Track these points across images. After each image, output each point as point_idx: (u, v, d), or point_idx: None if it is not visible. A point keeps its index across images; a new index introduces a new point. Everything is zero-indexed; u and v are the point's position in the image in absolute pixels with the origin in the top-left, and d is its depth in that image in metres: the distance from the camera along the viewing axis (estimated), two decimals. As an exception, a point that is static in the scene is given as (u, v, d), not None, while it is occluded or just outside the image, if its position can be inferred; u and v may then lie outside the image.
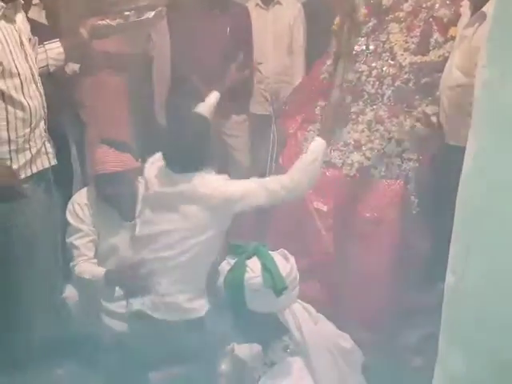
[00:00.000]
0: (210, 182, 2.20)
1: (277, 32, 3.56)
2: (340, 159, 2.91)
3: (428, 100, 2.90)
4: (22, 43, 2.38)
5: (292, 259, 1.68)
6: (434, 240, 2.79)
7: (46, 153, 2.53)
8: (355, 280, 2.74)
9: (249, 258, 1.66)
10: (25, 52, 2.39)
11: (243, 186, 2.22)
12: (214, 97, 3.00)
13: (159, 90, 4.03)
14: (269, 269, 1.60)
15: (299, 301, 1.69)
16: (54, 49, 2.65)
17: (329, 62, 3.15)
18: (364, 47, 3.02)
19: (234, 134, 3.49)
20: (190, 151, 2.27)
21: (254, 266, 1.63)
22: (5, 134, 2.32)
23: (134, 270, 2.37)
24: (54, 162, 2.57)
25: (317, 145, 2.41)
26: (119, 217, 2.61)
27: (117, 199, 2.55)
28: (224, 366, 1.78)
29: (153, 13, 2.91)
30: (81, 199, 2.58)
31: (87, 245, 2.52)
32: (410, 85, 2.92)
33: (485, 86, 1.08)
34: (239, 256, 1.66)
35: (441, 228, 2.67)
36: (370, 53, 2.96)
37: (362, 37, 3.06)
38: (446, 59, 2.83)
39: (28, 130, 2.38)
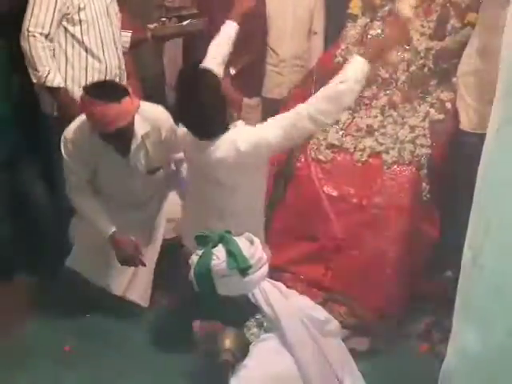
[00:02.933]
0: (237, 141, 2.22)
1: (297, 16, 3.51)
2: (352, 144, 2.88)
3: (443, 86, 2.87)
4: (107, 11, 2.90)
5: (257, 241, 1.74)
6: (445, 227, 2.77)
7: None
8: (363, 266, 2.72)
9: (214, 246, 1.70)
10: (110, 20, 2.92)
11: (262, 130, 2.25)
12: (232, 28, 2.68)
13: (170, 71, 4.00)
14: (232, 252, 1.65)
15: (268, 279, 1.74)
16: (124, 37, 3.10)
17: (343, 46, 3.11)
18: (379, 31, 2.99)
19: (246, 117, 3.45)
20: (211, 117, 2.24)
21: (219, 252, 1.67)
22: (83, 81, 2.82)
23: (136, 250, 2.61)
24: None
25: (357, 64, 2.16)
26: (115, 152, 2.61)
27: (118, 140, 2.54)
28: (228, 343, 1.78)
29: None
30: (69, 135, 2.58)
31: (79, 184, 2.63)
32: (425, 70, 2.89)
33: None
34: (206, 246, 1.71)
35: (452, 215, 2.68)
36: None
37: (378, 20, 3.03)
38: (462, 45, 2.79)
39: None
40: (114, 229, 2.60)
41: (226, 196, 2.32)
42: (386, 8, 3.01)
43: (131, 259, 2.63)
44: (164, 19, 3.33)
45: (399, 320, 2.68)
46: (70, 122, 2.66)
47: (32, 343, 2.68)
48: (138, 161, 2.66)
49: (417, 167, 2.74)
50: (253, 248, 1.69)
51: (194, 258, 1.71)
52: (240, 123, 2.32)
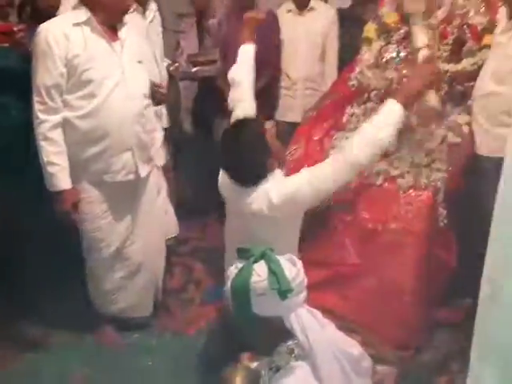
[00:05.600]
0: (271, 193, 2.17)
1: (310, 39, 3.50)
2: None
3: (459, 109, 2.82)
4: None
5: (299, 264, 1.66)
6: (462, 253, 2.70)
7: None
8: (379, 293, 2.65)
9: (256, 261, 1.62)
10: None
11: (296, 182, 2.18)
12: (252, 49, 2.65)
13: (185, 94, 4.02)
14: (274, 271, 1.57)
15: (306, 306, 1.67)
16: None
17: (358, 69, 3.08)
18: (395, 54, 2.95)
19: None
20: (251, 165, 2.20)
21: (260, 269, 1.59)
22: None
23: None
24: None
25: (392, 109, 2.20)
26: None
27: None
28: (238, 381, 1.73)
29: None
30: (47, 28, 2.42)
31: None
32: (442, 93, 2.83)
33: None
34: (247, 260, 1.63)
35: (469, 241, 2.60)
36: (401, 60, 2.88)
37: (393, 44, 2.99)
38: (479, 68, 2.74)
39: None
40: (69, 186, 2.50)
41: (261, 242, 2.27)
42: (402, 31, 2.98)
43: (67, 215, 2.54)
44: (177, 64, 3.51)
45: (417, 350, 2.60)
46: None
47: (41, 369, 2.65)
48: (127, 41, 2.55)
49: (433, 192, 2.68)
50: (295, 270, 1.61)
51: (233, 271, 1.64)
52: (278, 172, 2.27)
